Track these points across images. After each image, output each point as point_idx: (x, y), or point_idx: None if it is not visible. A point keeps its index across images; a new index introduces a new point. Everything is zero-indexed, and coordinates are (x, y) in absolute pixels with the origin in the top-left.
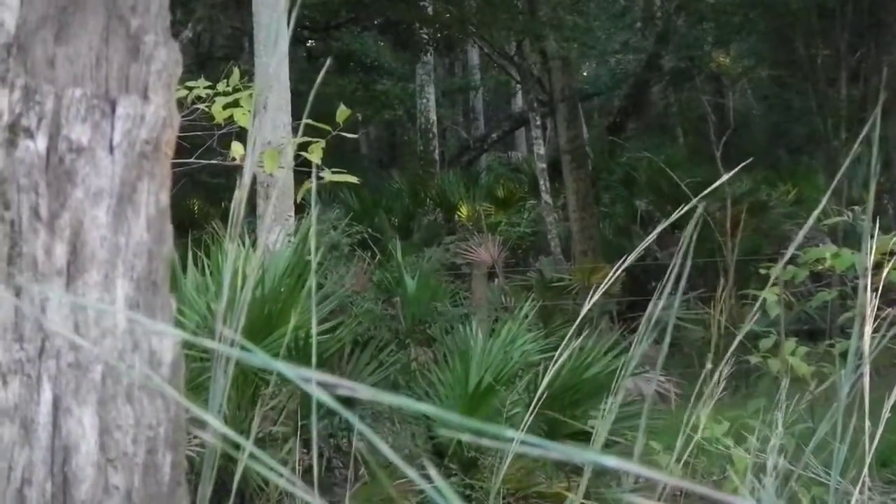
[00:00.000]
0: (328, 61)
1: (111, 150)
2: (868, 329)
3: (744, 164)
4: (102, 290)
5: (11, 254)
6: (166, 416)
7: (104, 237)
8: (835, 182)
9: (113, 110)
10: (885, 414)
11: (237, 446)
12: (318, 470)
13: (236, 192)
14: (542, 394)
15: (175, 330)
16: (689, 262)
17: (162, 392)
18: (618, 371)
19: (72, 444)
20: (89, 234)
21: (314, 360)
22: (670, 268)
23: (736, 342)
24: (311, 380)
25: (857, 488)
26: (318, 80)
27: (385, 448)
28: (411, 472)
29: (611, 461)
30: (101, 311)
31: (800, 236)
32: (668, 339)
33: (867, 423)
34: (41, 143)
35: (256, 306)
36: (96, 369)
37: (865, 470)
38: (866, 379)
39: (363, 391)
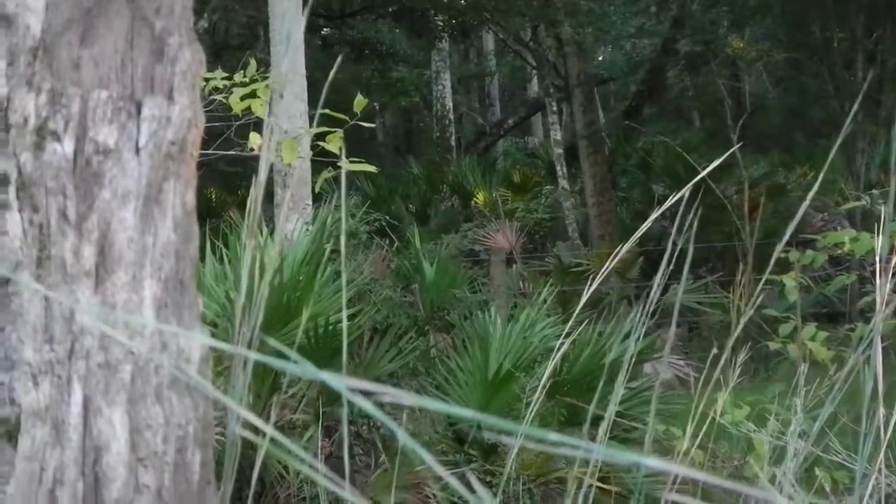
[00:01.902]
0: (343, 50)
1: (137, 151)
2: (881, 313)
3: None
4: (130, 290)
5: (41, 256)
6: (195, 414)
7: (131, 238)
8: (820, 166)
9: (139, 112)
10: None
11: (260, 434)
12: (347, 456)
13: (253, 184)
14: (562, 379)
15: (203, 335)
16: (688, 246)
17: (190, 391)
18: (624, 355)
19: (102, 444)
20: (117, 235)
21: (344, 346)
22: (667, 253)
23: (742, 322)
24: (343, 385)
25: (875, 471)
26: (334, 68)
27: (404, 436)
28: (429, 459)
29: (653, 462)
30: (130, 315)
31: (800, 212)
32: (673, 322)
33: (881, 407)
34: (68, 145)
35: (275, 295)
36: (126, 369)
37: (882, 449)
38: (879, 363)
39: (389, 393)
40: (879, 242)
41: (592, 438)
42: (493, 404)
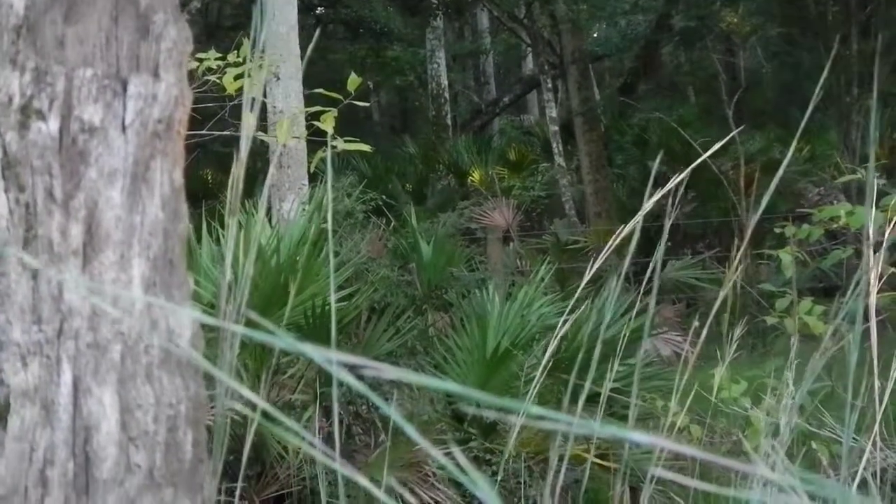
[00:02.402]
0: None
1: (124, 129)
2: (874, 286)
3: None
4: (119, 269)
5: (27, 236)
6: (186, 394)
7: (119, 217)
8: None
9: (124, 90)
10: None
11: (253, 408)
12: (339, 435)
13: (235, 163)
14: (559, 357)
15: (194, 312)
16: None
17: (181, 370)
18: (622, 332)
19: (93, 424)
20: (104, 214)
21: (333, 328)
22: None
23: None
24: (331, 359)
25: (869, 446)
26: (311, 47)
27: (397, 416)
28: (425, 443)
29: (642, 438)
30: (120, 290)
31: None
32: (651, 297)
33: (876, 380)
34: (53, 124)
35: (272, 275)
36: (115, 349)
37: (877, 427)
38: (873, 336)
39: (388, 371)
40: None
41: (592, 415)
42: (491, 383)
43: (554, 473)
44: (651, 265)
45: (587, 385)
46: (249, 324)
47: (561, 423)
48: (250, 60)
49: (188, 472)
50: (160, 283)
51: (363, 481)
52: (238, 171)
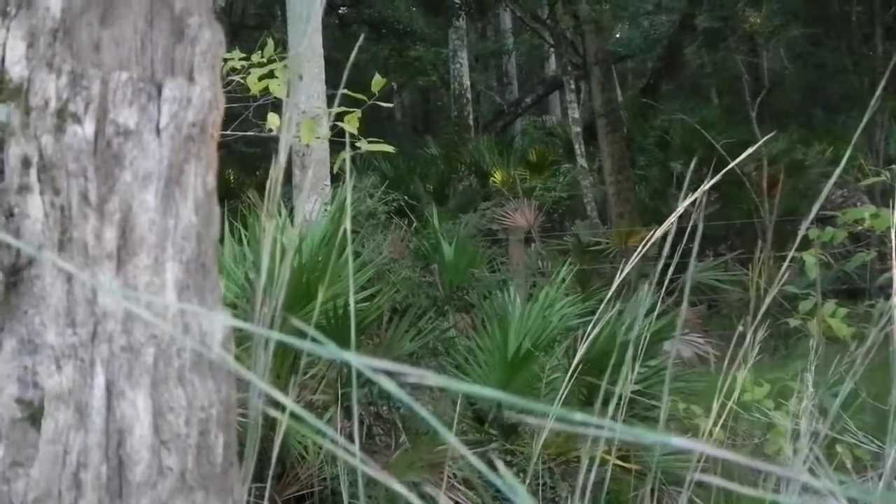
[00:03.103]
0: (361, 29)
1: (158, 133)
2: None
3: (780, 124)
4: (152, 273)
5: (62, 239)
6: (218, 397)
7: (153, 220)
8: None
9: (159, 93)
10: None
11: (282, 410)
12: (359, 436)
13: (273, 165)
14: (581, 359)
15: (226, 316)
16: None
17: (213, 374)
18: (643, 334)
19: (126, 427)
20: (138, 217)
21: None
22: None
23: (767, 301)
24: (368, 365)
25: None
26: (355, 50)
27: (426, 414)
28: (453, 439)
29: (678, 441)
30: (152, 297)
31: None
32: (685, 301)
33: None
34: (89, 127)
35: (295, 276)
36: (148, 352)
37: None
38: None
39: (430, 378)
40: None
41: (612, 417)
42: (512, 384)
43: (583, 474)
44: (672, 267)
45: (617, 387)
46: (282, 327)
47: (592, 426)
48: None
49: (219, 476)
50: (193, 286)
51: (387, 479)
52: (276, 173)
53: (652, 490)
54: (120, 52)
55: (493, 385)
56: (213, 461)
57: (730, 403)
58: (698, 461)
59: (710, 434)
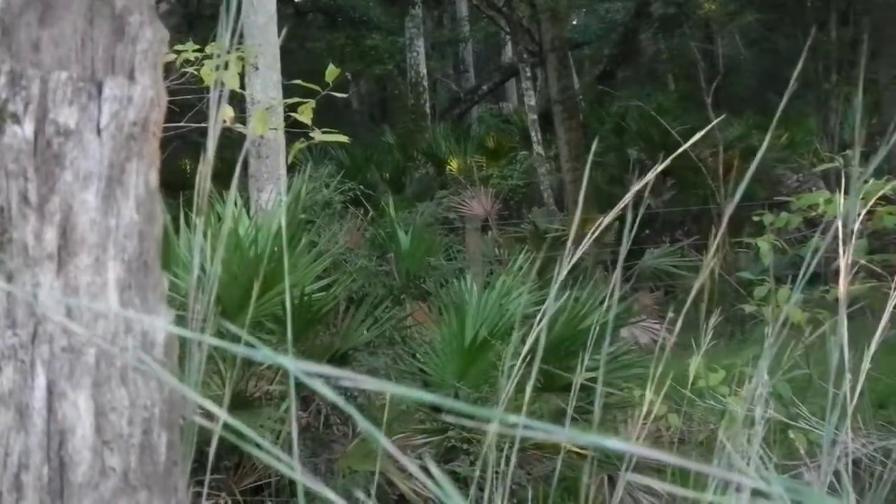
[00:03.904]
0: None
1: (99, 132)
2: (844, 275)
3: (734, 109)
4: (94, 273)
5: (2, 240)
6: (160, 396)
7: (94, 220)
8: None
9: (100, 92)
10: (867, 357)
11: (235, 408)
12: (296, 440)
13: (202, 160)
14: (537, 347)
15: (167, 317)
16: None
17: (160, 370)
18: (599, 321)
19: (67, 428)
20: (79, 217)
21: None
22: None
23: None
24: (304, 370)
25: (842, 434)
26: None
27: (364, 422)
28: (387, 442)
29: (612, 443)
30: (92, 298)
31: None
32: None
33: (847, 371)
34: (28, 127)
35: (250, 267)
36: (90, 352)
37: (849, 416)
38: (842, 324)
39: (365, 382)
40: (840, 203)
41: (569, 404)
42: (470, 372)
43: (540, 461)
44: (624, 253)
45: (576, 380)
46: (223, 329)
47: (537, 430)
48: (228, 52)
49: (162, 475)
50: (135, 285)
51: (322, 489)
52: (205, 169)
53: (610, 477)
54: (59, 51)
55: (450, 373)
56: (157, 460)
57: (664, 386)
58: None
59: (666, 420)
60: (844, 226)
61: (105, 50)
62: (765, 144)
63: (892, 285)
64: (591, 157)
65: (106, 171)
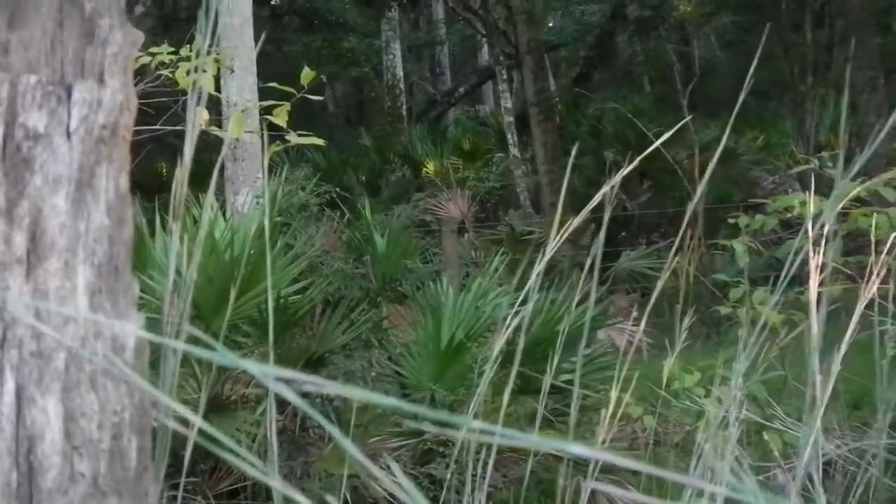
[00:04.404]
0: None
1: (68, 136)
2: (815, 278)
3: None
4: (63, 277)
5: None
6: (131, 401)
7: (64, 224)
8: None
9: (69, 96)
10: (837, 360)
11: (211, 411)
12: (275, 443)
13: (179, 164)
14: (512, 348)
15: (138, 321)
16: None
17: (131, 375)
18: (575, 323)
19: (36, 433)
20: (48, 221)
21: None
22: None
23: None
24: (270, 374)
25: (813, 434)
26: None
27: (332, 429)
28: (356, 451)
29: (577, 450)
30: (62, 302)
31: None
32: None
33: (816, 369)
34: None
35: (226, 269)
36: (59, 357)
37: (819, 414)
38: (813, 326)
39: (329, 386)
40: (811, 205)
41: (546, 406)
42: (446, 375)
43: (517, 463)
44: (597, 255)
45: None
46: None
47: (504, 437)
48: (205, 55)
49: (133, 480)
50: (105, 289)
51: (293, 492)
52: (182, 174)
53: (586, 479)
54: (29, 54)
55: (426, 376)
56: (127, 466)
57: (640, 387)
58: (621, 449)
59: (641, 421)
60: (813, 227)
61: (75, 53)
62: (721, 143)
63: (862, 287)
64: (571, 160)
65: (76, 174)
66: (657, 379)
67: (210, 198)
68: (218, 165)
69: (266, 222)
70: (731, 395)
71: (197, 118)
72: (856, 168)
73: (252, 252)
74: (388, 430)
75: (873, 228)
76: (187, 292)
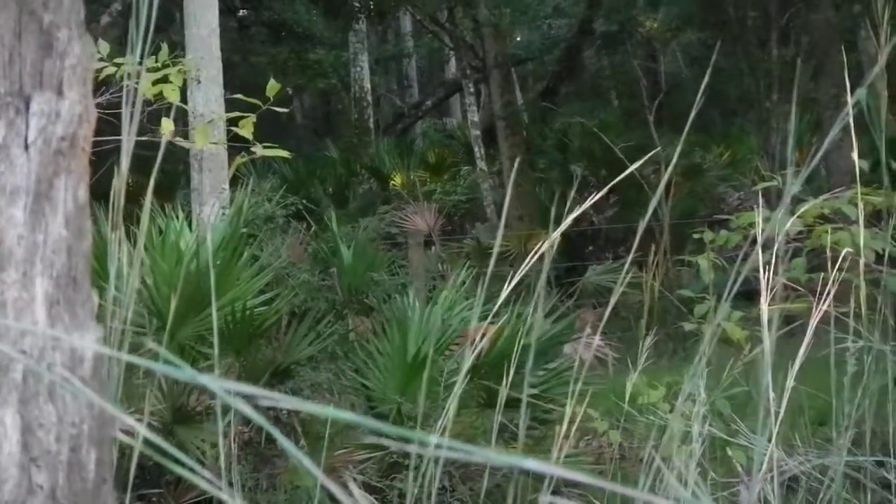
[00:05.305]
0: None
1: (26, 147)
2: (765, 295)
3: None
4: (21, 288)
5: None
6: (90, 413)
7: (21, 235)
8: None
9: (27, 107)
10: (791, 376)
11: (177, 422)
12: (235, 462)
13: (116, 174)
14: (480, 363)
15: (94, 333)
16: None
17: (85, 388)
18: (542, 337)
19: None
20: (6, 232)
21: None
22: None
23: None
24: (228, 390)
25: (770, 452)
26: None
27: (292, 448)
28: (304, 459)
29: (530, 464)
30: (19, 314)
31: None
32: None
33: (770, 392)
34: None
35: (192, 280)
36: (17, 368)
37: (774, 434)
38: (766, 343)
39: (285, 401)
40: (760, 223)
41: (511, 420)
42: (412, 387)
43: (483, 476)
44: (557, 270)
45: (522, 390)
46: (167, 340)
47: (460, 452)
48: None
49: (91, 492)
50: (63, 301)
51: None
52: (119, 183)
53: (554, 492)
54: None
55: (393, 388)
56: (85, 477)
57: (606, 402)
58: (590, 462)
59: (607, 436)
60: (766, 247)
61: (33, 65)
62: (676, 157)
63: (813, 303)
64: (534, 172)
65: (34, 186)
66: (623, 393)
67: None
68: (171, 176)
69: (230, 233)
70: (695, 410)
71: (133, 130)
72: (796, 186)
73: (218, 263)
74: (355, 442)
75: (828, 244)
76: (128, 301)
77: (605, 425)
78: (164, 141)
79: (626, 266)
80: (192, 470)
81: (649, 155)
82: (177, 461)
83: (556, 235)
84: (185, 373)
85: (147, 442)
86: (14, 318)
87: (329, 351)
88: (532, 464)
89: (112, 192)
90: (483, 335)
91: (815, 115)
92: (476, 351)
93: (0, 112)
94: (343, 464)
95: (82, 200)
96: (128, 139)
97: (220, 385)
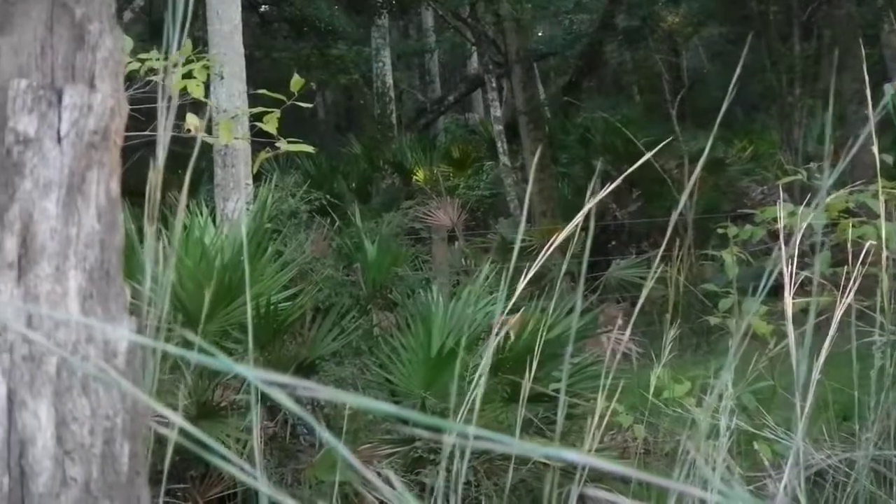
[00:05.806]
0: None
1: (59, 140)
2: (788, 290)
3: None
4: (54, 282)
5: None
6: (123, 406)
7: (54, 229)
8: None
9: (60, 100)
10: (817, 368)
11: (202, 417)
12: (258, 450)
13: (152, 168)
14: (504, 357)
15: (128, 326)
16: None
17: (119, 380)
18: (565, 332)
19: (28, 438)
20: (39, 226)
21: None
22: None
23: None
24: (264, 379)
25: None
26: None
27: (325, 433)
28: (343, 449)
29: (570, 455)
30: (53, 307)
31: None
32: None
33: (798, 385)
34: None
35: (217, 275)
36: (51, 361)
37: (801, 428)
38: (790, 337)
39: (323, 392)
40: (782, 216)
41: (536, 414)
42: (436, 382)
43: (507, 471)
44: (585, 263)
45: (548, 385)
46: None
47: (494, 442)
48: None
49: (125, 485)
50: (97, 294)
51: (286, 498)
52: (156, 177)
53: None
54: (19, 59)
55: (417, 384)
56: (119, 470)
57: (631, 396)
58: (615, 456)
59: (632, 431)
60: (787, 241)
61: (65, 58)
62: (705, 153)
63: (837, 298)
64: (557, 167)
65: (66, 179)
66: (647, 388)
67: (184, 203)
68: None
69: (254, 227)
70: (722, 404)
71: (169, 124)
72: (830, 180)
73: (242, 258)
74: (379, 437)
75: (849, 238)
76: (162, 297)
77: (630, 420)
78: (199, 137)
79: (656, 261)
80: (227, 460)
81: (662, 144)
82: (213, 452)
83: (570, 228)
84: (221, 362)
85: (183, 432)
86: (47, 311)
87: (353, 346)
88: (571, 455)
89: (148, 186)
90: (515, 325)
91: (838, 108)
92: (500, 344)
93: (33, 105)
94: (368, 459)
95: (114, 194)
96: (164, 133)
97: (255, 375)
